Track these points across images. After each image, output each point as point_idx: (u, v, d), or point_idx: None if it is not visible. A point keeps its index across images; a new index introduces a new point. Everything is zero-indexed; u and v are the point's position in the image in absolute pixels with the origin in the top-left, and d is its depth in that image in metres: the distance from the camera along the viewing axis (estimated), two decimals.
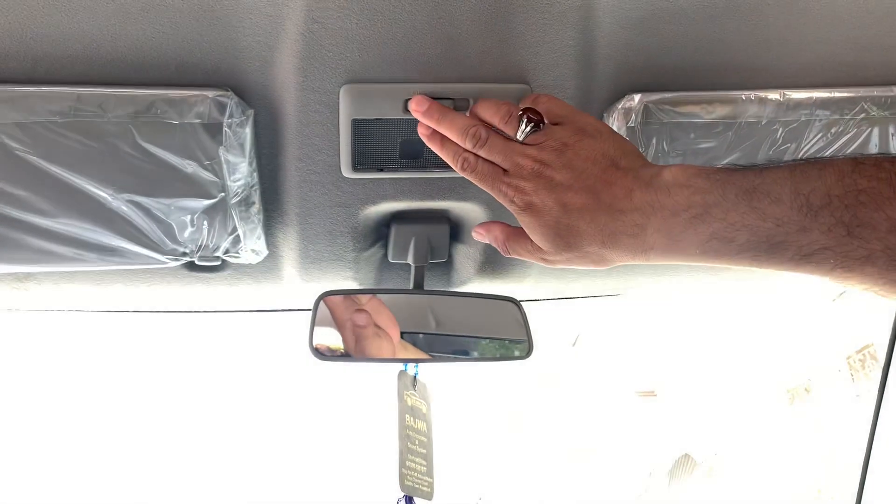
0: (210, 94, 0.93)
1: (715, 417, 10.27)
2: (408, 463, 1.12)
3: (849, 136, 1.07)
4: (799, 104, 1.03)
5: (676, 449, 11.66)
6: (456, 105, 0.94)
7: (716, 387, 10.36)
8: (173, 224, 1.04)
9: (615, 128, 1.01)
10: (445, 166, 0.89)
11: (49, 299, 1.22)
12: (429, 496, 1.14)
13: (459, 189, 1.09)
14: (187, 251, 1.07)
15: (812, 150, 1.07)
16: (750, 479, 6.67)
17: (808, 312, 8.77)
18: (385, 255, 1.21)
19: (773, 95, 1.02)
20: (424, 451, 1.17)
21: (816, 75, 1.03)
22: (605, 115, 1.02)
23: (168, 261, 1.08)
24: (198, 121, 0.94)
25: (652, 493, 11.70)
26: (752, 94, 1.02)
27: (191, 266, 1.12)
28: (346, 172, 1.02)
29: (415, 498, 1.13)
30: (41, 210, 0.99)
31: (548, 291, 1.35)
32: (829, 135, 1.07)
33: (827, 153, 1.08)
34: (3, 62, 0.88)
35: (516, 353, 1.22)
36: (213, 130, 0.95)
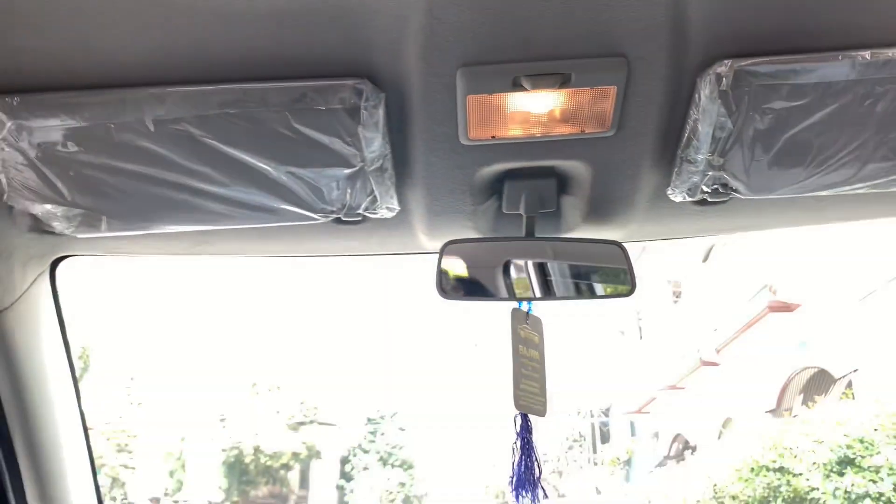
0: (349, 82, 1.11)
1: (855, 333, 9.86)
2: (522, 385, 1.31)
3: None
4: (889, 61, 1.06)
5: (813, 364, 11.33)
6: (561, 80, 1.07)
7: (856, 301, 9.89)
8: (322, 189, 1.25)
9: (707, 92, 1.09)
10: (552, 131, 0.98)
11: (227, 249, 1.49)
12: (541, 413, 1.33)
13: (565, 149, 1.22)
14: (334, 209, 1.29)
15: None
16: (890, 395, 6.49)
17: None
18: (500, 206, 1.37)
19: (863, 55, 1.06)
20: (537, 374, 1.36)
21: None
22: (697, 80, 1.10)
23: (320, 218, 1.30)
24: (340, 106, 1.13)
25: (783, 408, 11.51)
26: (840, 55, 1.06)
27: (338, 221, 1.34)
28: (463, 140, 1.18)
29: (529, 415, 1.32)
30: (218, 181, 1.22)
31: (651, 234, 1.47)
32: None
33: None
34: (183, 68, 1.09)
35: (620, 291, 1.37)
36: (353, 112, 1.13)
